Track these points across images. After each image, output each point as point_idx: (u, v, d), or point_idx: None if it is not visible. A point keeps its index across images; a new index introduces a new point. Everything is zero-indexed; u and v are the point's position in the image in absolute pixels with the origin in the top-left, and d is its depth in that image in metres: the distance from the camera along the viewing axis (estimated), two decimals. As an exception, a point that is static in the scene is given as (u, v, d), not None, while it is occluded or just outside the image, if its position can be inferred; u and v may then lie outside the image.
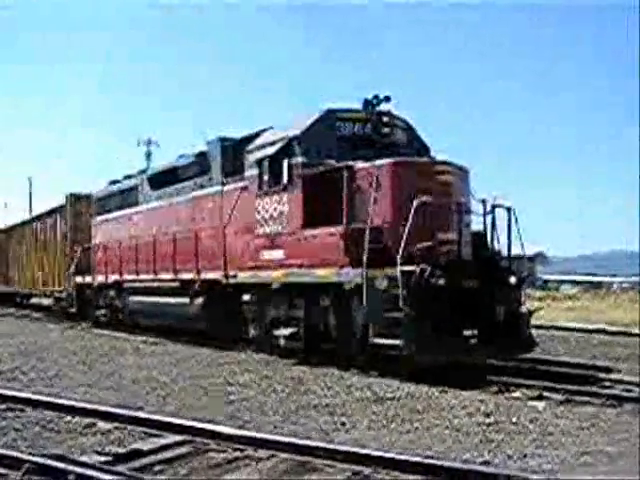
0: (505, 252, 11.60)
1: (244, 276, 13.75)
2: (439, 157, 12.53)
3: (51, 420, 7.77)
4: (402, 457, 5.72)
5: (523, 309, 11.28)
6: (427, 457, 5.86)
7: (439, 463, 5.57)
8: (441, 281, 10.03)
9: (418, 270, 10.05)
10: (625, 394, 9.27)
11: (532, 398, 8.95)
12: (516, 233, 11.47)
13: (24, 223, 33.03)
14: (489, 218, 11.75)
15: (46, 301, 27.47)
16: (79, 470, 5.40)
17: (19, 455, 5.99)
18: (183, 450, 6.43)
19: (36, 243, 29.20)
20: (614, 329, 18.23)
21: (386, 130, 12.92)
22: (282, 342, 12.57)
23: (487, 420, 7.60)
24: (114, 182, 21.91)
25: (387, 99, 13.02)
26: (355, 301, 10.95)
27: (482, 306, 10.58)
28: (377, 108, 13.00)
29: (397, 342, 10.03)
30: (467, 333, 10.50)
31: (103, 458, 6.04)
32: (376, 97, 12.99)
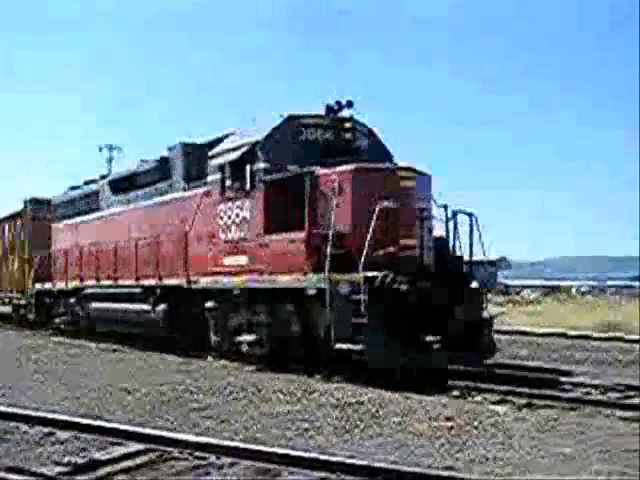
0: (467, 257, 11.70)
1: (206, 282, 13.65)
2: (401, 163, 12.58)
3: (7, 431, 7.58)
4: (364, 463, 5.71)
5: (485, 314, 11.37)
6: (391, 462, 5.86)
7: (403, 469, 5.57)
8: (403, 287, 10.06)
9: (380, 276, 10.08)
10: (585, 397, 9.41)
11: (494, 402, 9.03)
12: (478, 239, 11.62)
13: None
14: (451, 224, 11.88)
15: (4, 308, 26.92)
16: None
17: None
18: (144, 459, 6.32)
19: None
20: (574, 333, 18.47)
21: (348, 136, 12.93)
22: (245, 348, 12.49)
23: (449, 424, 7.62)
24: (74, 187, 21.62)
25: (349, 104, 13.03)
26: (318, 307, 10.94)
27: (444, 311, 10.63)
28: (340, 114, 13.03)
29: (359, 347, 10.04)
30: (430, 338, 10.55)
31: (61, 469, 5.92)
32: (338, 102, 13.00)
